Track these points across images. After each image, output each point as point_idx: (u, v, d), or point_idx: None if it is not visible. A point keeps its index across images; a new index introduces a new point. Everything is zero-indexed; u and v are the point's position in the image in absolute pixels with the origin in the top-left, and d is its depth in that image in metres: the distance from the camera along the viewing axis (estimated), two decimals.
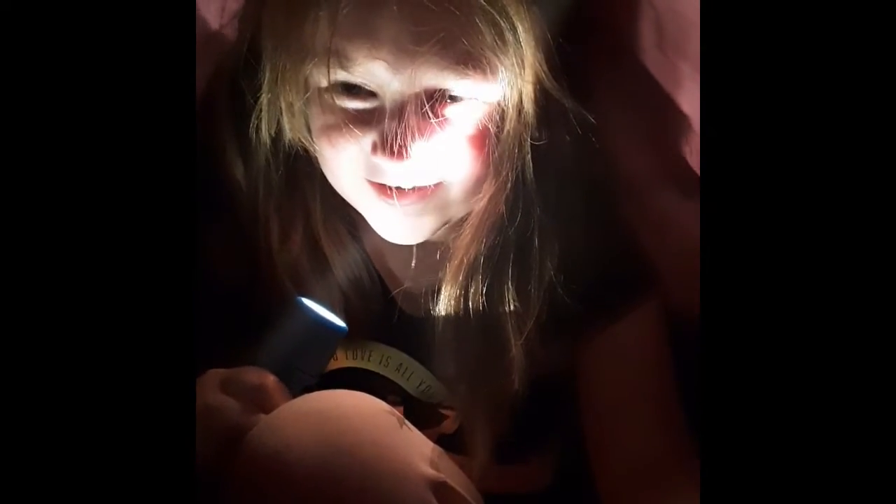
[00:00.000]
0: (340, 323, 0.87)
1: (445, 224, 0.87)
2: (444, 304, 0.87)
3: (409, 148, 0.79)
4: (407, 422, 0.78)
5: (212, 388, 0.80)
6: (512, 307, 0.86)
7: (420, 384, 0.94)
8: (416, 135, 0.79)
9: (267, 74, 0.85)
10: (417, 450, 0.76)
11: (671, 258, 0.87)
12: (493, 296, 0.86)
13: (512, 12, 0.78)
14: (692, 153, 0.85)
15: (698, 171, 0.83)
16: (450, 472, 0.78)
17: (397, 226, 0.86)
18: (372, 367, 0.94)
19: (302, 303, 0.87)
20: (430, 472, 0.75)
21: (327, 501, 0.72)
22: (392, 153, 0.80)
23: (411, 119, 0.79)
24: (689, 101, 0.85)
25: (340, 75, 0.80)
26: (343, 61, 0.79)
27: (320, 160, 0.87)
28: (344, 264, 0.92)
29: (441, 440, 0.87)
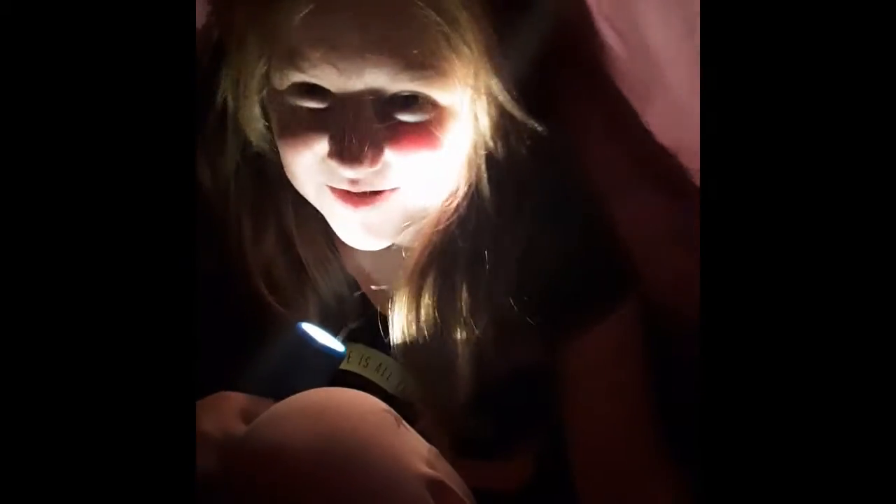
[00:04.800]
0: (340, 347, 0.88)
1: (406, 227, 0.88)
2: (398, 309, 0.88)
3: (362, 151, 0.81)
4: (404, 421, 0.79)
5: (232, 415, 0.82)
6: (463, 313, 0.88)
7: (399, 384, 0.94)
8: (369, 137, 0.81)
9: (227, 78, 0.86)
10: (414, 448, 0.77)
11: (653, 254, 0.89)
12: (444, 302, 0.88)
13: (464, 25, 0.80)
14: (672, 150, 0.87)
15: (679, 168, 0.85)
16: (445, 472, 0.79)
17: (357, 231, 0.87)
18: (352, 367, 0.94)
19: (302, 329, 0.87)
20: (427, 470, 0.76)
21: (325, 497, 0.73)
22: (345, 155, 0.81)
23: (363, 122, 0.81)
24: (663, 101, 0.85)
25: (296, 77, 0.82)
26: (297, 63, 0.81)
27: (283, 163, 0.87)
28: (318, 265, 0.93)
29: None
